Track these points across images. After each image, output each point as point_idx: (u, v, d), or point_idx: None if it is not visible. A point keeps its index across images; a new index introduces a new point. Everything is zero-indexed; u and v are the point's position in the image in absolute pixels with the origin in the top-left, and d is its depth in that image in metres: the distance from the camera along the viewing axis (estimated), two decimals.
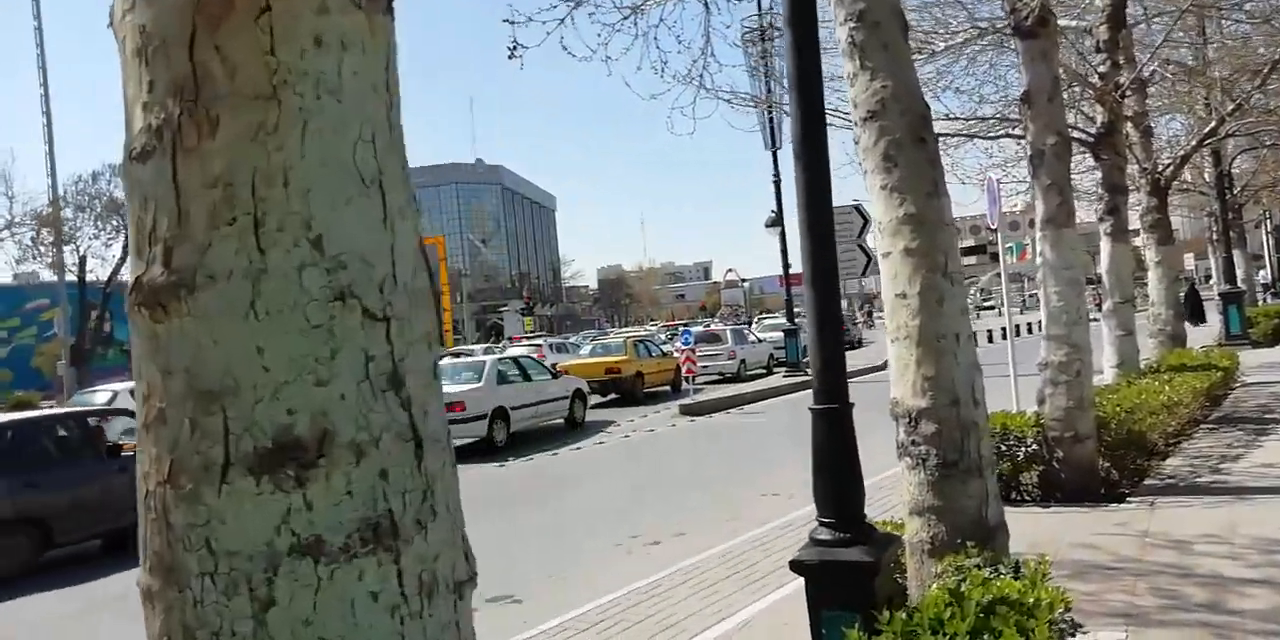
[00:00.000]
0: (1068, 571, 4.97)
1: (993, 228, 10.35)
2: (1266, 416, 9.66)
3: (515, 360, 16.98)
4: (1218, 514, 5.95)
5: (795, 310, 36.00)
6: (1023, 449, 6.76)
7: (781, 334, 24.07)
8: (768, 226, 23.45)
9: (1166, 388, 8.34)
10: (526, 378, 16.11)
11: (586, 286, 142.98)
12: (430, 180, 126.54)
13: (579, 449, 13.94)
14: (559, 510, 9.51)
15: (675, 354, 25.50)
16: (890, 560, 3.25)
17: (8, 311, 63.87)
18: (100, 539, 8.75)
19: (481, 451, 14.19)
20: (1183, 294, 33.65)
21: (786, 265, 23.74)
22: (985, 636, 2.49)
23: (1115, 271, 9.84)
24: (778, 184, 22.78)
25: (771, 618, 4.93)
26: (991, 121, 10.43)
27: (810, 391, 3.53)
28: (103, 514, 8.39)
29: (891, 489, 7.04)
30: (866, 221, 26.08)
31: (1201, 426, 9.18)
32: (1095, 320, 10.09)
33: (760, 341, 26.88)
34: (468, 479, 11.99)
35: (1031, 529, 5.98)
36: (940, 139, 12.06)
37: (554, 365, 20.30)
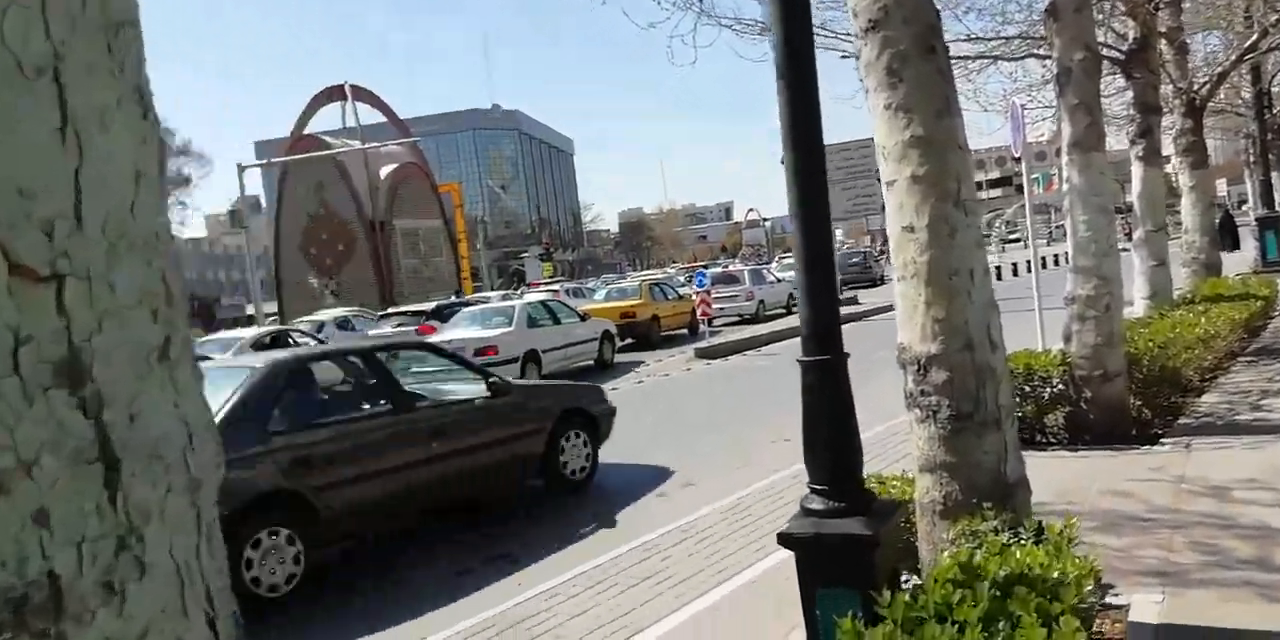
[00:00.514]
0: (1097, 523, 4.61)
1: (1016, 157, 9.73)
2: None
3: (544, 304, 16.87)
4: (1260, 456, 5.54)
5: (784, 252, 35.44)
6: (1047, 390, 6.35)
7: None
8: (783, 163, 22.68)
9: (1202, 320, 7.85)
10: (556, 321, 16.10)
11: (608, 230, 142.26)
12: (447, 127, 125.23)
13: None
14: None
15: (692, 296, 25.16)
16: (893, 531, 2.89)
17: None
18: None
19: None
20: (1217, 220, 32.67)
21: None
22: (1000, 624, 2.13)
23: (1147, 197, 9.25)
24: None
25: (775, 577, 4.62)
26: (1016, 42, 9.74)
27: None
28: None
29: (906, 437, 6.70)
30: None
31: (1239, 359, 8.70)
32: (1125, 250, 9.59)
33: (779, 282, 26.36)
34: None
35: (1058, 474, 5.62)
36: (961, 63, 11.41)
37: None
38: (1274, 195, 19.16)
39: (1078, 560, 2.77)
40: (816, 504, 2.79)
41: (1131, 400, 6.63)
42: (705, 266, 45.16)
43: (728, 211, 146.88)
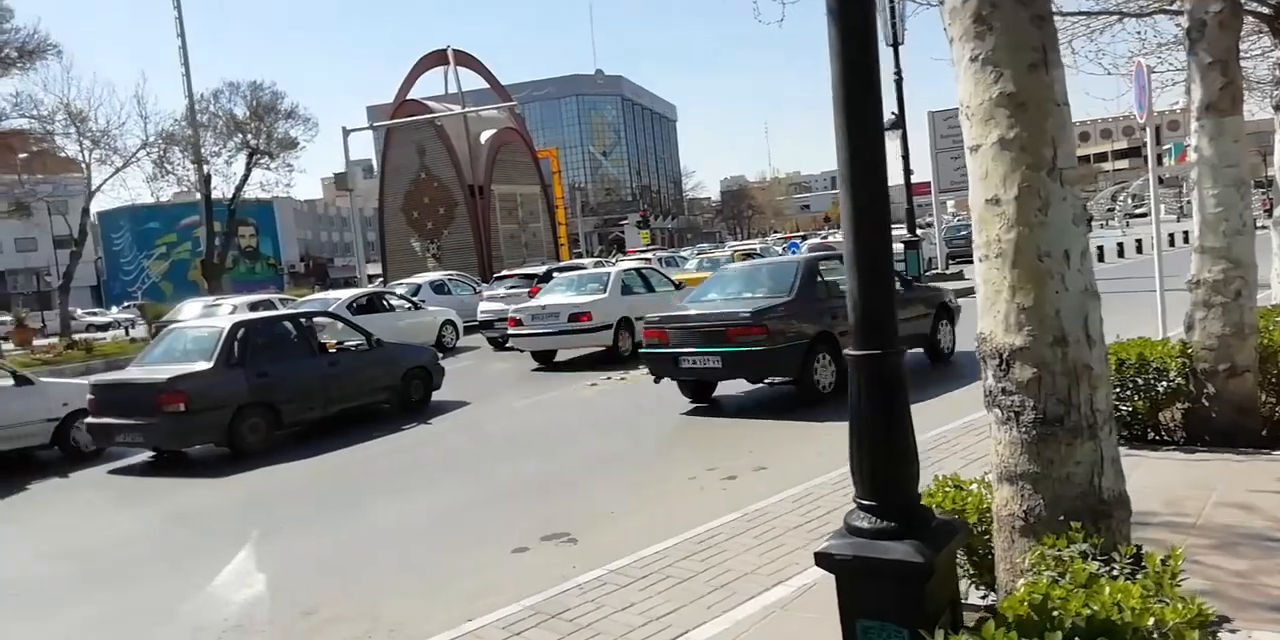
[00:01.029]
0: (1212, 541, 4.06)
1: (1142, 124, 8.82)
2: None
3: (638, 272, 16.67)
4: None
5: (919, 220, 33.93)
6: (1163, 383, 5.69)
7: (902, 246, 22.47)
8: (887, 129, 21.64)
9: None
10: (650, 289, 16.00)
11: (709, 198, 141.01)
12: (551, 93, 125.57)
13: None
14: (642, 438, 9.00)
15: None
16: (952, 556, 2.47)
17: (165, 228, 68.22)
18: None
19: (608, 360, 14.31)
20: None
21: (908, 170, 22.04)
22: None
23: None
24: (899, 82, 20.90)
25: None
26: None
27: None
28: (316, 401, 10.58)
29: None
30: None
31: None
32: (1263, 229, 8.60)
33: None
34: (566, 396, 11.72)
35: (1169, 479, 5.03)
36: (1084, 21, 10.43)
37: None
38: None
39: (1183, 601, 2.30)
40: (862, 521, 2.40)
41: (1262, 398, 5.90)
42: (803, 236, 43.99)
43: (833, 180, 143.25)
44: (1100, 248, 26.58)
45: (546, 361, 15.05)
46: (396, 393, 11.45)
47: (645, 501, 6.39)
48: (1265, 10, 8.32)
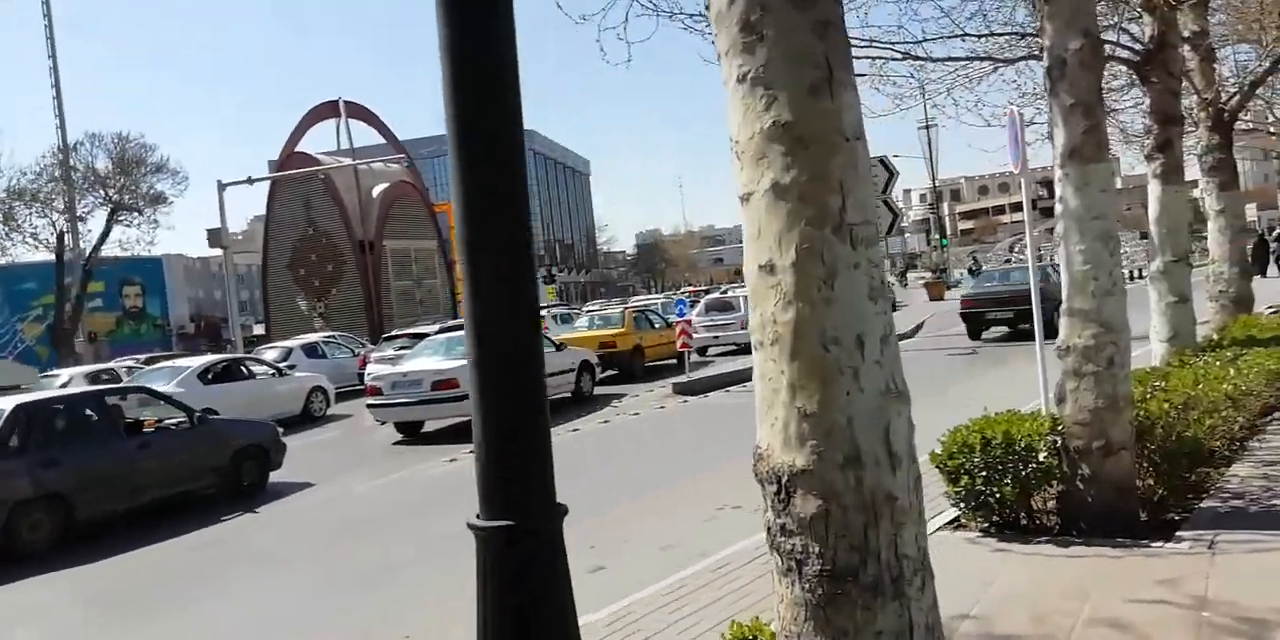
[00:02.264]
0: None
1: (1017, 174, 8.40)
2: None
3: None
4: None
5: None
6: (1030, 466, 4.99)
7: None
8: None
9: (1231, 371, 6.47)
10: None
11: (624, 252, 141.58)
12: None
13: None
14: None
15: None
16: None
17: (43, 288, 64.26)
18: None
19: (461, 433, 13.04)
20: (1250, 245, 31.06)
21: None
22: None
23: (1167, 222, 7.88)
24: None
25: None
26: (1008, 40, 8.47)
27: None
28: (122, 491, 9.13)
29: None
30: (892, 175, 23.93)
31: (1275, 416, 7.29)
32: (1138, 281, 8.25)
33: None
34: (414, 476, 10.58)
35: (1039, 583, 4.27)
36: (960, 71, 10.14)
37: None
38: None
39: None
40: None
41: (1142, 475, 5.27)
42: (705, 291, 43.79)
43: None
44: None
45: (413, 433, 13.85)
46: (225, 476, 10.13)
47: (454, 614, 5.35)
48: (1134, 56, 8.04)
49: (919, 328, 25.21)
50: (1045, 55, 5.35)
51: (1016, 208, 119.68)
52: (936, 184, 72.45)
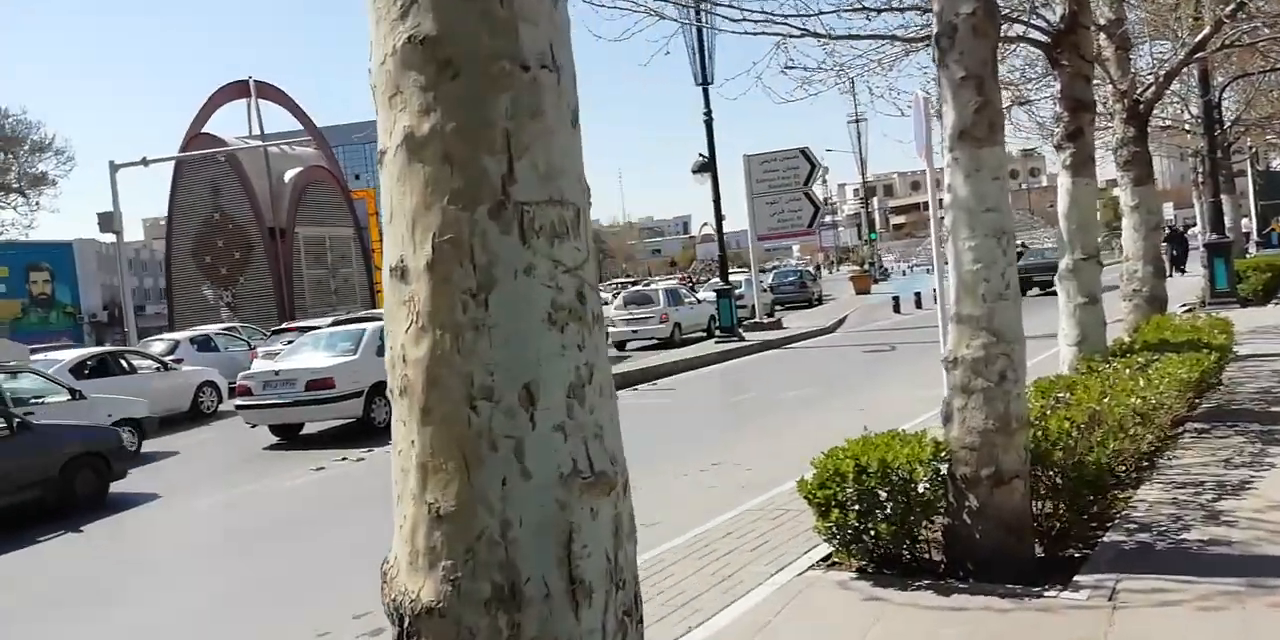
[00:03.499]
0: None
1: (920, 158, 7.74)
2: (1272, 409, 7.24)
3: None
4: (1225, 622, 3.51)
5: (742, 267, 33.43)
6: (910, 498, 4.27)
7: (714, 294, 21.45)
8: (695, 172, 20.70)
9: (1141, 381, 5.87)
10: None
11: None
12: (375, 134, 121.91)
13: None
14: (316, 555, 6.99)
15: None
16: None
17: None
18: None
19: (356, 434, 12.08)
20: (1163, 239, 31.40)
21: (720, 216, 21.10)
22: None
23: (1077, 217, 7.28)
24: (709, 123, 19.98)
25: None
26: (914, 16, 7.80)
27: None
28: None
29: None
30: (814, 167, 23.44)
31: (1187, 428, 6.75)
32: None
33: (699, 302, 24.31)
34: (271, 488, 9.56)
35: None
36: (873, 55, 9.46)
37: None
38: (1224, 218, 17.59)
39: None
40: None
41: (1038, 506, 4.60)
42: (633, 283, 42.98)
43: (685, 225, 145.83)
44: (895, 298, 26.53)
45: (289, 435, 12.75)
46: (54, 488, 8.99)
47: None
48: (1042, 38, 7.41)
49: (841, 322, 24.80)
50: (934, 21, 4.62)
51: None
52: (868, 178, 72.96)
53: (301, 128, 37.07)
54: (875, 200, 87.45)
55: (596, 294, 1.43)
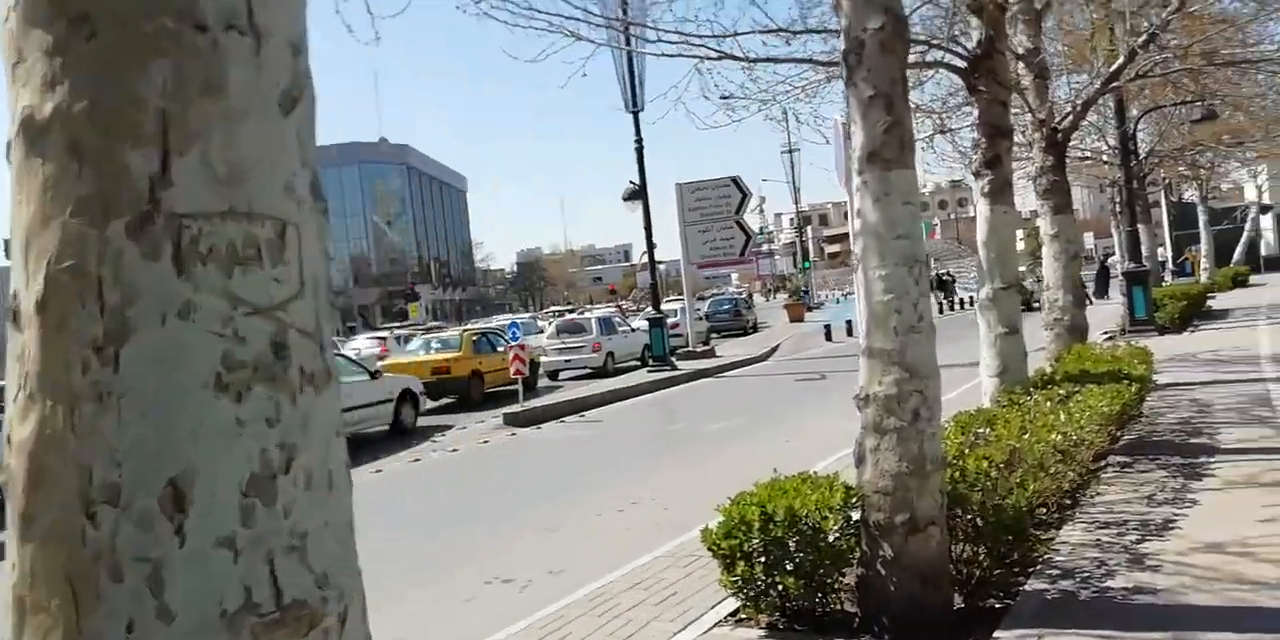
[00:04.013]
0: None
1: (841, 186, 7.54)
2: (1193, 441, 7.12)
3: None
4: None
5: (677, 296, 33.27)
6: (819, 549, 3.93)
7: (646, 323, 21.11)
8: (626, 199, 20.46)
9: (1062, 415, 5.66)
10: None
11: (503, 270, 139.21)
12: (331, 160, 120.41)
13: None
14: None
15: (530, 348, 22.50)
16: None
17: None
18: None
19: None
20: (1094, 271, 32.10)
21: (651, 243, 20.86)
22: None
23: (996, 245, 7.13)
24: (639, 150, 19.80)
25: None
26: (835, 40, 7.63)
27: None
28: None
29: None
30: (745, 196, 23.43)
31: (1109, 461, 6.58)
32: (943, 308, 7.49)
33: (633, 331, 23.98)
34: None
35: None
36: (792, 78, 9.29)
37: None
38: (1141, 248, 17.94)
39: None
40: None
41: (957, 552, 4.29)
42: (563, 312, 42.52)
43: (627, 253, 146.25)
44: (827, 327, 26.55)
45: None
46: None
47: None
48: (960, 64, 7.29)
49: (774, 350, 24.70)
50: (842, 38, 4.37)
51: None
52: (803, 208, 74.08)
53: None
54: (809, 229, 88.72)
55: (317, 343, 1.05)
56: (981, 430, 5.39)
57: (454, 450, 12.44)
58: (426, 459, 11.95)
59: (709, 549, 4.17)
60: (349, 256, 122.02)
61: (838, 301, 64.12)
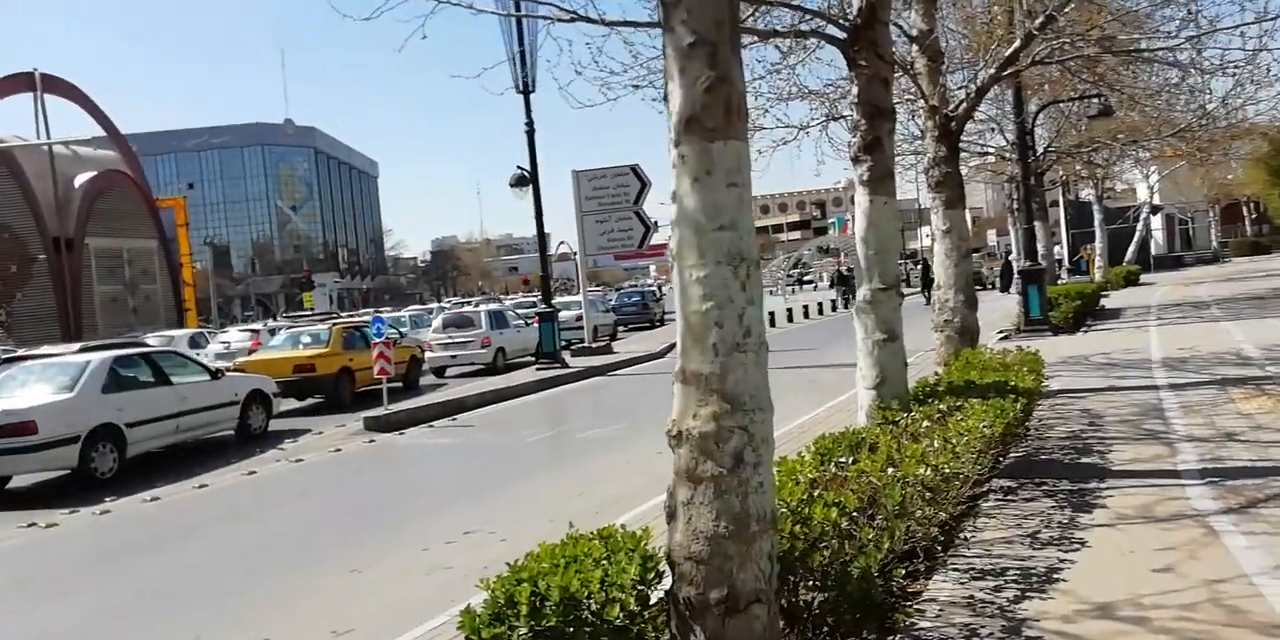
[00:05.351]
0: None
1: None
2: (1083, 461, 6.46)
3: (146, 357, 12.50)
4: None
5: (596, 286, 32.21)
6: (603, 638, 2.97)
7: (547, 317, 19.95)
8: (513, 186, 19.30)
9: (937, 440, 4.85)
10: (162, 380, 11.88)
11: (416, 258, 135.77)
12: (230, 141, 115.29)
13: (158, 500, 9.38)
14: None
15: (417, 341, 21.18)
16: None
17: None
18: None
19: (70, 487, 10.30)
20: (998, 268, 32.03)
21: (542, 233, 19.76)
22: None
23: (875, 241, 6.29)
24: (530, 133, 18.65)
25: None
26: None
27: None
28: None
29: None
30: (645, 185, 22.47)
31: (991, 486, 5.83)
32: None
33: (526, 325, 22.84)
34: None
35: None
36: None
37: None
38: (1037, 245, 17.68)
39: None
40: None
41: (793, 631, 3.40)
42: (473, 301, 40.96)
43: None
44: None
45: None
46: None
47: None
48: (839, 34, 6.44)
49: (672, 347, 23.86)
50: None
51: (794, 226, 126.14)
52: None
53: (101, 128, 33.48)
54: None
55: None
56: (844, 459, 4.55)
57: (298, 460, 11.16)
58: (264, 471, 10.66)
59: (467, 639, 3.16)
60: (251, 242, 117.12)
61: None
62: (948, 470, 4.40)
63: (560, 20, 6.75)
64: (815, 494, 3.79)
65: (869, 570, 3.40)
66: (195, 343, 23.48)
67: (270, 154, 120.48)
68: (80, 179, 30.73)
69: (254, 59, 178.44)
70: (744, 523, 3.12)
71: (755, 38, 7.20)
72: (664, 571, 3.20)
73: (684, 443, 3.22)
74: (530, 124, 18.65)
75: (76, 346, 15.89)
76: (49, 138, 30.97)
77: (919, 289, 31.60)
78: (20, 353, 16.52)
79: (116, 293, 32.32)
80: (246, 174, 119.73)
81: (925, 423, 5.40)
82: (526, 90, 18.44)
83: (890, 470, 4.24)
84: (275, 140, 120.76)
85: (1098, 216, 29.90)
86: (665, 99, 3.41)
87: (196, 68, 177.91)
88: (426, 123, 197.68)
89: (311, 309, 48.94)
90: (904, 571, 3.82)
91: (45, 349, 16.69)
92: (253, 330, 24.15)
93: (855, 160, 6.35)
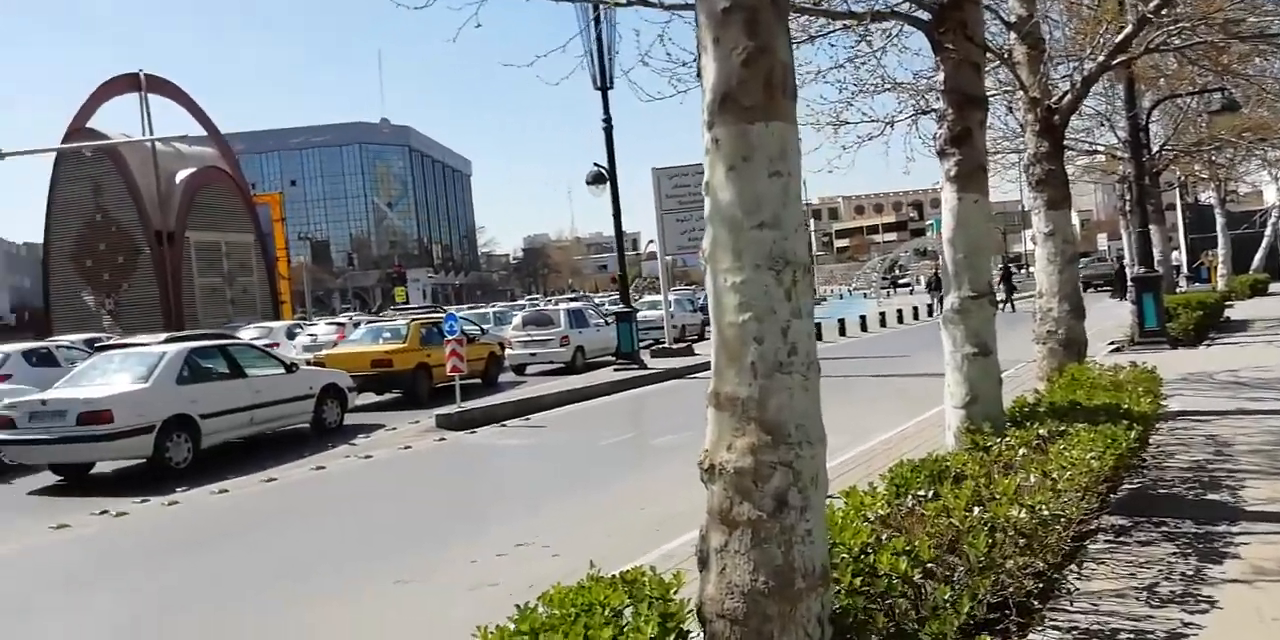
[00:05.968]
0: None
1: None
2: (1209, 497, 5.64)
3: (222, 350, 12.62)
4: None
5: (685, 286, 31.70)
6: None
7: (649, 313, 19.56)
8: (590, 183, 18.95)
9: (1034, 474, 4.19)
10: (237, 373, 11.97)
11: (507, 255, 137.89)
12: (330, 140, 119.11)
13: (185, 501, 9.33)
14: None
15: (498, 338, 21.10)
16: None
17: None
18: None
19: (148, 475, 10.37)
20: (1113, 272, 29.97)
21: (619, 231, 19.37)
22: None
23: (964, 243, 5.62)
24: (608, 130, 18.28)
25: None
26: None
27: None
28: None
29: None
30: None
31: (1100, 524, 5.10)
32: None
33: (605, 324, 22.50)
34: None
35: None
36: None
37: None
38: (1152, 250, 16.39)
39: None
40: None
41: None
42: (572, 298, 40.93)
43: (635, 242, 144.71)
44: (818, 325, 24.95)
45: (75, 475, 10.70)
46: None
47: None
48: (923, 15, 5.79)
49: None
50: None
51: (889, 227, 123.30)
52: (810, 201, 72.50)
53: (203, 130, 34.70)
54: (813, 222, 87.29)
55: None
56: (922, 492, 3.96)
57: (367, 457, 11.04)
58: (332, 466, 10.56)
59: None
60: (350, 237, 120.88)
61: (841, 297, 62.64)
62: (1046, 512, 3.75)
63: (618, 4, 6.29)
64: (884, 538, 3.23)
65: (944, 638, 2.83)
66: (291, 334, 23.97)
67: (367, 152, 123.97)
68: (181, 174, 31.90)
69: (350, 59, 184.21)
70: (787, 577, 2.60)
71: (829, 20, 6.59)
72: (689, 631, 2.70)
73: (717, 478, 2.72)
74: (608, 120, 18.30)
75: (163, 337, 16.25)
76: (152, 135, 32.28)
77: (1002, 296, 29.47)
78: (111, 341, 17.01)
79: (215, 284, 33.46)
80: (345, 171, 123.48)
81: (1022, 450, 4.73)
82: (604, 86, 18.08)
83: (977, 510, 3.63)
84: (372, 139, 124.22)
85: (1220, 220, 27.79)
86: (698, 75, 2.90)
87: (297, 65, 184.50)
88: (515, 121, 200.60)
89: (405, 303, 49.85)
90: (988, 638, 3.21)
91: (134, 338, 17.13)
92: (339, 324, 24.54)
93: (942, 154, 5.69)
